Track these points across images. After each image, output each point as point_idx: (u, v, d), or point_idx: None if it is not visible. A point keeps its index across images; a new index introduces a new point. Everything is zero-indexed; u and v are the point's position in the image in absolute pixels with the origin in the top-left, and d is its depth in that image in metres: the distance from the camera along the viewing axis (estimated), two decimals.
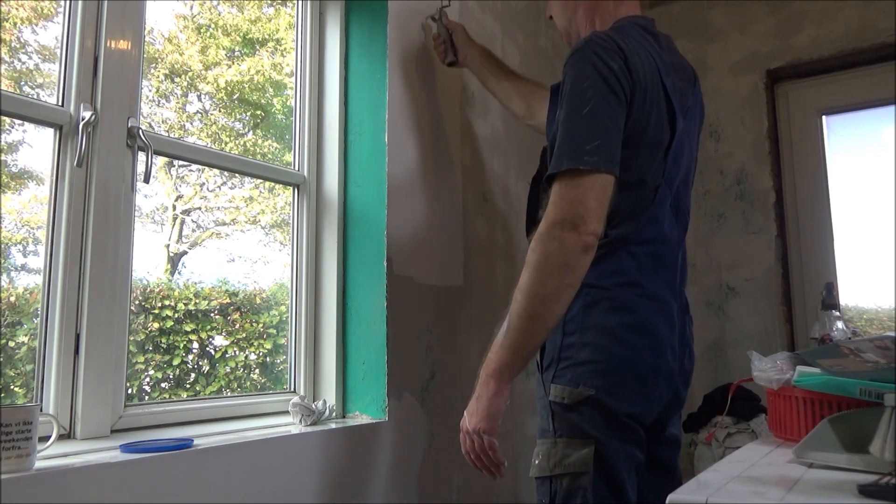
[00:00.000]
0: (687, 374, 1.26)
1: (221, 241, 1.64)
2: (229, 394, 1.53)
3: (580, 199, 1.05)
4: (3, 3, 1.20)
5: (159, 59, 1.51)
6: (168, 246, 1.56)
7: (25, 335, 1.19)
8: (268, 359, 1.65)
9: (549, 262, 1.05)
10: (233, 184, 1.69)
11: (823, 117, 2.60)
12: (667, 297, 1.20)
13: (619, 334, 1.14)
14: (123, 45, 1.29)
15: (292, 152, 1.73)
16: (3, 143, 1.21)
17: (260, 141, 1.77)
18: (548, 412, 1.15)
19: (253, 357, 1.62)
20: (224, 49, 1.67)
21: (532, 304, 1.06)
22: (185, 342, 1.46)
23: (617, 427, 1.12)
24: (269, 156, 1.76)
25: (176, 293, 1.47)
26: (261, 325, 1.63)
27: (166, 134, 1.48)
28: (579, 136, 1.08)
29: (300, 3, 1.76)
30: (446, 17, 1.77)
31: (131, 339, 1.31)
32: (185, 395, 1.45)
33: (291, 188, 1.70)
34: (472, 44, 1.78)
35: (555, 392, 1.14)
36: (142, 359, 1.37)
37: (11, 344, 1.18)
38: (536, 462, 1.15)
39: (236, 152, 1.66)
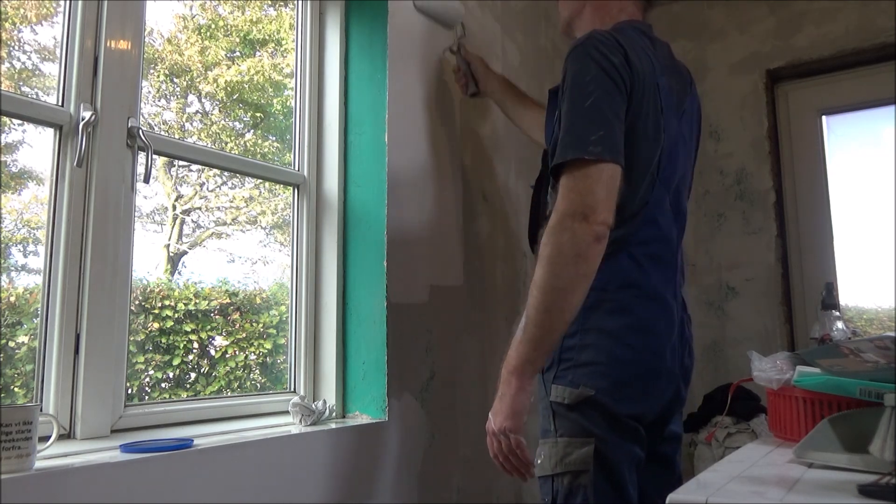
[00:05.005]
0: (687, 372, 1.27)
1: (221, 241, 1.64)
2: (229, 394, 1.53)
3: (589, 189, 1.05)
4: (2, 3, 1.20)
5: (159, 60, 1.51)
6: (168, 246, 1.56)
7: (25, 335, 1.19)
8: (268, 359, 1.65)
9: (562, 254, 1.05)
10: (233, 184, 1.69)
11: (823, 117, 2.60)
12: (667, 297, 1.21)
13: (619, 336, 1.15)
14: (123, 45, 1.29)
15: (292, 152, 1.73)
16: (2, 142, 1.21)
17: (260, 141, 1.77)
18: (549, 412, 1.16)
19: (253, 357, 1.62)
20: (224, 49, 1.67)
21: (548, 298, 1.07)
22: (185, 342, 1.46)
23: (618, 426, 1.13)
24: (269, 156, 1.76)
25: (176, 293, 1.47)
26: (261, 325, 1.63)
27: (166, 134, 1.48)
28: (583, 128, 1.08)
29: (300, 3, 1.76)
30: (465, 48, 1.79)
31: (131, 339, 1.31)
32: (185, 395, 1.45)
33: (291, 188, 1.70)
34: (493, 74, 1.81)
35: (556, 392, 1.15)
36: (142, 359, 1.37)
37: (11, 344, 1.18)
38: (539, 462, 1.16)
39: (236, 152, 1.66)
